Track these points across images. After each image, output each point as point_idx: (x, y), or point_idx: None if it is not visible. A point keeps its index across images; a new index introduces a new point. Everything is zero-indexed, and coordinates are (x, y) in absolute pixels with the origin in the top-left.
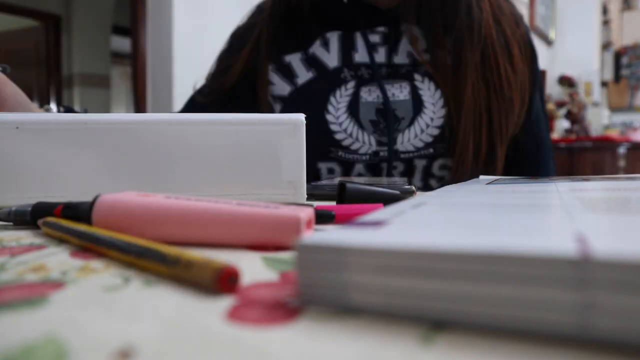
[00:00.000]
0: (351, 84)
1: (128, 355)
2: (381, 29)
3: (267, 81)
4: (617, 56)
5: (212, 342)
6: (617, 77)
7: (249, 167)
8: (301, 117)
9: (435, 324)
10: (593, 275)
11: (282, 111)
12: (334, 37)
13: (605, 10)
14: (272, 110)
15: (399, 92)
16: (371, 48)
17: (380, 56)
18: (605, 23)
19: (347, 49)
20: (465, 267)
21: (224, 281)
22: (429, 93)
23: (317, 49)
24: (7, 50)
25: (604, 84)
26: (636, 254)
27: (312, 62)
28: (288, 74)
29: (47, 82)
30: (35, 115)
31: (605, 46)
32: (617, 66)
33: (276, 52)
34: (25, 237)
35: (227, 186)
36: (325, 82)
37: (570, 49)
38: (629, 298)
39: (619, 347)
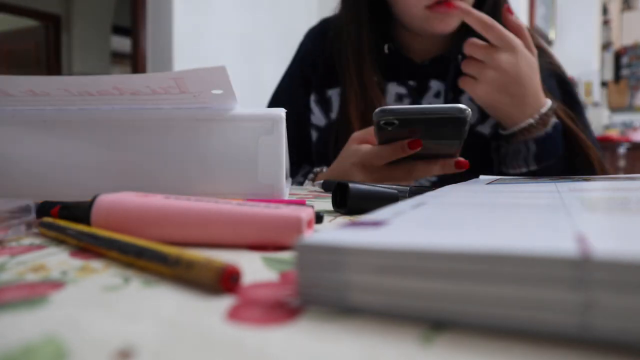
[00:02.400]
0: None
1: (128, 355)
2: (411, 82)
3: (310, 109)
4: (617, 56)
5: (212, 342)
6: (617, 77)
7: (224, 166)
8: (280, 112)
9: (435, 324)
10: (593, 275)
11: (318, 139)
12: (370, 82)
13: (605, 11)
14: (310, 136)
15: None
16: (397, 98)
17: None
18: (605, 23)
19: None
20: (465, 267)
21: (226, 281)
22: None
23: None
24: (7, 50)
25: (604, 84)
26: (636, 254)
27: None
28: (326, 107)
29: None
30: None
31: (605, 46)
32: (617, 66)
33: (320, 85)
34: (25, 237)
35: (201, 185)
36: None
37: (570, 49)
38: (629, 298)
39: (619, 347)
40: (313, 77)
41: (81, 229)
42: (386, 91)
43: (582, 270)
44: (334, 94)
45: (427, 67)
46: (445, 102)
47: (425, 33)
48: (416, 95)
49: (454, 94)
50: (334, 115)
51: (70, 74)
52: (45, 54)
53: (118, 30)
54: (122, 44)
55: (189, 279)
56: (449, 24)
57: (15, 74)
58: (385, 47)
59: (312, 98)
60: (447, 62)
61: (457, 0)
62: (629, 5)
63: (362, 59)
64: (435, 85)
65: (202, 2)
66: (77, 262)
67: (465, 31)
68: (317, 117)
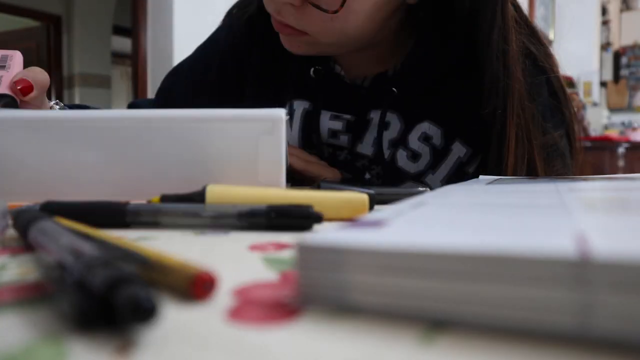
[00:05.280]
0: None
1: (128, 355)
2: (347, 116)
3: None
4: (617, 56)
5: (212, 342)
6: (617, 78)
7: (224, 166)
8: (281, 112)
9: (435, 324)
10: (593, 276)
11: None
12: (299, 110)
13: (604, 11)
14: None
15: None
16: (332, 135)
17: (342, 141)
18: (605, 23)
19: (308, 129)
20: (465, 267)
21: (198, 287)
22: None
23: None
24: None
25: (603, 84)
26: (636, 254)
27: None
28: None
29: None
30: (28, 113)
31: (605, 46)
32: (617, 66)
33: (252, 92)
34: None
35: (201, 185)
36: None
37: (569, 49)
38: (629, 298)
39: (619, 347)
40: (245, 78)
41: (74, 228)
42: (318, 123)
43: (582, 270)
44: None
45: (367, 91)
46: (379, 132)
47: None
48: (355, 131)
49: (404, 127)
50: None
51: (70, 74)
52: (46, 54)
53: (118, 30)
54: (123, 44)
55: (164, 283)
56: (296, 48)
57: None
58: (311, 70)
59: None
60: (394, 82)
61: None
62: (628, 5)
63: (281, 76)
64: (376, 115)
65: (202, 2)
66: None
67: (422, 39)
68: None
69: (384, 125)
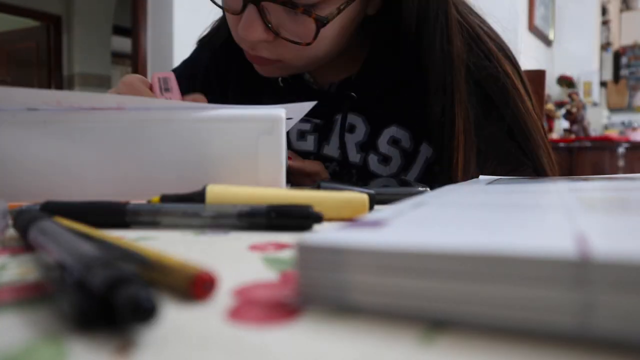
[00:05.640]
0: None
1: (128, 355)
2: (316, 120)
3: None
4: (617, 56)
5: (212, 342)
6: (617, 77)
7: (224, 166)
8: (280, 112)
9: (435, 324)
10: (593, 276)
11: None
12: None
13: (604, 11)
14: None
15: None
16: (300, 135)
17: (308, 144)
18: (605, 23)
19: None
20: (465, 267)
21: (198, 287)
22: None
23: None
24: (8, 50)
25: (603, 84)
26: (636, 255)
27: None
28: None
29: (48, 82)
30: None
31: (605, 46)
32: (617, 66)
33: (234, 99)
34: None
35: (201, 185)
36: None
37: (569, 49)
38: (629, 298)
39: (619, 347)
40: (227, 88)
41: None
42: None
43: (582, 270)
44: None
45: (334, 97)
46: (341, 135)
47: None
48: (322, 132)
49: (371, 131)
50: None
51: (71, 74)
52: (46, 54)
53: (118, 30)
54: (123, 44)
55: (164, 283)
56: (268, 73)
57: (16, 74)
58: (279, 80)
59: None
60: (357, 87)
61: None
62: (628, 5)
63: (256, 82)
64: (339, 118)
65: (202, 2)
66: None
67: (377, 46)
68: None
69: (344, 127)
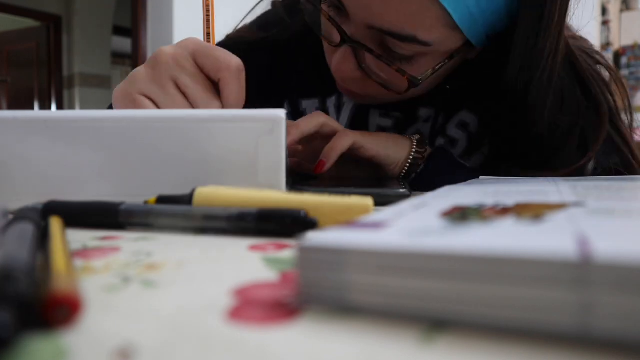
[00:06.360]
0: None
1: (128, 355)
2: (396, 113)
3: None
4: (617, 56)
5: (213, 342)
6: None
7: (224, 167)
8: (280, 112)
9: (435, 324)
10: (594, 277)
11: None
12: (349, 104)
13: (604, 11)
14: None
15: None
16: (380, 130)
17: None
18: (605, 23)
19: (356, 125)
20: (465, 267)
21: (50, 310)
22: None
23: (331, 106)
24: (8, 50)
25: None
26: (637, 256)
27: None
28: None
29: (47, 82)
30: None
31: (605, 46)
32: (617, 66)
33: (295, 94)
34: None
35: (200, 185)
36: None
37: None
38: (630, 299)
39: (619, 347)
40: (285, 85)
41: None
42: (366, 119)
43: (583, 271)
44: (309, 106)
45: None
46: (433, 129)
47: None
48: (402, 127)
49: (445, 119)
50: None
51: (71, 74)
52: (46, 54)
53: (119, 30)
54: (123, 44)
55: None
56: (361, 100)
57: (16, 74)
58: None
59: (285, 108)
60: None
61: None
62: (628, 5)
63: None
64: (425, 112)
65: (202, 2)
66: (77, 262)
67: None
68: None
69: (437, 125)
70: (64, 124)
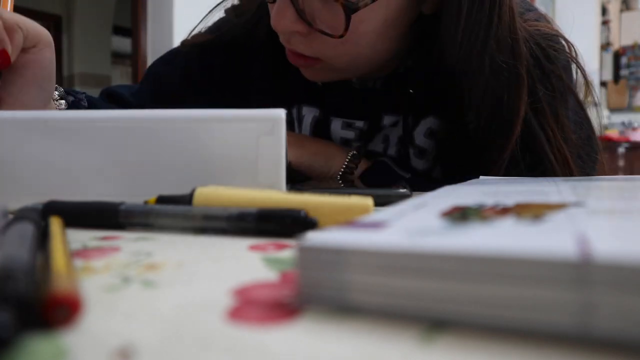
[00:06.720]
0: None
1: (128, 355)
2: (359, 124)
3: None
4: (617, 56)
5: (212, 342)
6: (617, 78)
7: (224, 166)
8: (280, 112)
9: (435, 324)
10: (594, 277)
11: None
12: (308, 116)
13: (604, 11)
14: None
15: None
16: (343, 143)
17: (353, 148)
18: (605, 23)
19: (319, 136)
20: (465, 267)
21: (50, 310)
22: None
23: (294, 117)
24: None
25: (603, 84)
26: (637, 256)
27: (290, 129)
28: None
29: None
30: (30, 113)
31: (605, 46)
32: (617, 66)
33: (258, 100)
34: None
35: (200, 186)
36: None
37: None
38: (630, 299)
39: (619, 347)
40: (248, 90)
41: None
42: (328, 130)
43: (583, 271)
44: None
45: (379, 96)
46: (405, 132)
47: None
48: (366, 139)
49: (413, 122)
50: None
51: (70, 74)
52: None
53: (119, 30)
54: (123, 44)
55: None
56: (314, 76)
57: None
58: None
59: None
60: (403, 82)
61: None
62: (628, 5)
63: (287, 82)
64: (389, 120)
65: (202, 2)
66: (77, 262)
67: (427, 40)
68: None
69: (408, 128)
70: (64, 124)
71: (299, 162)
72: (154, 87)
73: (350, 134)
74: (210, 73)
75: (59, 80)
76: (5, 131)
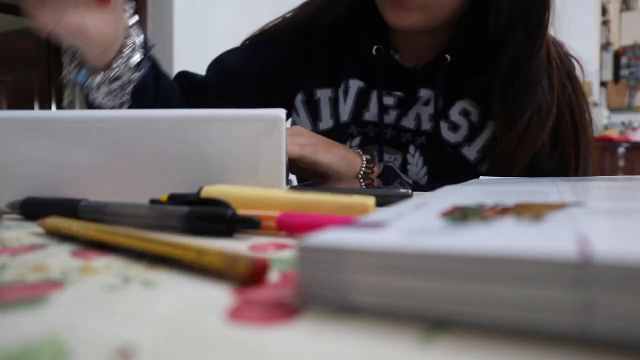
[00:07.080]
0: (356, 140)
1: (128, 355)
2: (398, 93)
3: (294, 108)
4: (617, 56)
5: (212, 342)
6: (617, 78)
7: (224, 166)
8: (280, 112)
9: (435, 324)
10: (594, 277)
11: None
12: (354, 87)
13: (604, 11)
14: None
15: (392, 162)
16: (383, 110)
17: (390, 117)
18: (605, 23)
19: (360, 106)
20: (465, 267)
21: (259, 273)
22: (415, 169)
23: (341, 92)
24: (7, 50)
25: (603, 84)
26: (637, 256)
27: (334, 106)
28: (315, 114)
29: (47, 82)
30: (27, 113)
31: (605, 46)
32: (617, 66)
33: (309, 83)
34: (26, 236)
35: (200, 186)
36: (336, 135)
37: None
38: (630, 299)
39: (619, 347)
40: (302, 75)
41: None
42: (369, 100)
43: (583, 271)
44: (323, 95)
45: (418, 74)
46: (435, 111)
47: (393, 27)
48: (404, 107)
49: (445, 103)
50: (322, 125)
51: None
52: (45, 54)
53: None
54: None
55: (214, 267)
56: (404, 20)
57: (16, 73)
58: (374, 48)
59: (299, 98)
60: (439, 67)
61: None
62: (628, 5)
63: (339, 61)
64: (425, 93)
65: (202, 2)
66: (77, 262)
67: (463, 32)
68: (302, 120)
69: (438, 105)
70: (64, 124)
71: (329, 164)
72: (217, 76)
73: (390, 100)
74: (269, 61)
75: (60, 81)
76: (5, 131)
